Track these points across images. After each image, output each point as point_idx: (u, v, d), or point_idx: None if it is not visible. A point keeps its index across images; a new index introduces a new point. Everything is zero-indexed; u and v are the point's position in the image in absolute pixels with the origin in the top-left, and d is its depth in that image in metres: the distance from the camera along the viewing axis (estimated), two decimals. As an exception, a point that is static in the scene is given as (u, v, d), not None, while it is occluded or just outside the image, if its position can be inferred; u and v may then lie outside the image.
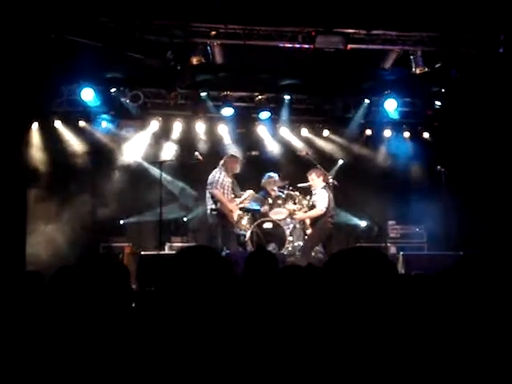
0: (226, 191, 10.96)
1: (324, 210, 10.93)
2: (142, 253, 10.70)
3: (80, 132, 12.84)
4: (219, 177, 10.91)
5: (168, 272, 2.51)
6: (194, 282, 2.43)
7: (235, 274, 2.69)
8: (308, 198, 11.97)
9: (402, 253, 11.18)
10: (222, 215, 10.84)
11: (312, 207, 11.41)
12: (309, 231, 11.51)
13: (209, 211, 10.98)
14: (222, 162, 11.19)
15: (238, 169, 11.26)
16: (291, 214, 11.63)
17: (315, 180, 11.20)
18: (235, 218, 11.17)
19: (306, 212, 11.62)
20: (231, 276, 2.55)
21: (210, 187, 10.91)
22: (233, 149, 13.16)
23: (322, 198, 10.99)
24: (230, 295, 2.48)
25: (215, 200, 10.83)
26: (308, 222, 11.64)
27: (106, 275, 2.97)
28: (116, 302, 2.91)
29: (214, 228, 11.01)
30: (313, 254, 11.53)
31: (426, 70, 10.89)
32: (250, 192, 11.54)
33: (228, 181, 11.03)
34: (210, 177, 11.02)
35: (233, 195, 11.29)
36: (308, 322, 2.69)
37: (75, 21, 9.63)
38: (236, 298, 2.57)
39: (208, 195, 10.99)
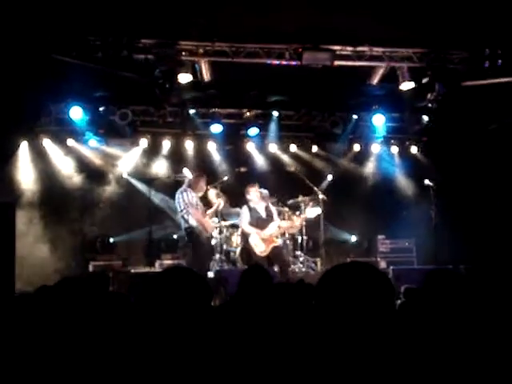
0: (196, 207, 10.89)
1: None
2: (133, 271, 10.68)
3: (69, 150, 12.83)
4: (189, 197, 10.87)
5: (146, 293, 2.52)
6: (169, 304, 2.43)
7: (219, 294, 2.71)
8: (297, 213, 12.02)
9: (391, 267, 11.22)
10: (197, 232, 10.80)
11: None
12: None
13: (184, 231, 10.97)
14: (187, 181, 11.21)
15: (203, 188, 11.25)
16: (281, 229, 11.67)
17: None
18: (210, 231, 11.17)
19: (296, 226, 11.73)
20: (208, 299, 2.55)
21: (184, 211, 10.81)
22: (222, 165, 13.21)
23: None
24: (207, 318, 2.48)
25: (188, 219, 10.77)
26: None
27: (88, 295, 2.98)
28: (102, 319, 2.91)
29: (194, 246, 10.95)
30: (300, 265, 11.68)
31: (413, 85, 10.96)
32: (219, 200, 11.47)
33: (196, 196, 10.98)
34: (177, 196, 10.98)
35: (203, 209, 11.17)
36: (303, 338, 2.71)
37: (63, 40, 9.64)
38: (218, 318, 2.58)
39: (179, 215, 10.97)
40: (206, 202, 11.43)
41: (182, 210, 10.78)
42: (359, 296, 2.25)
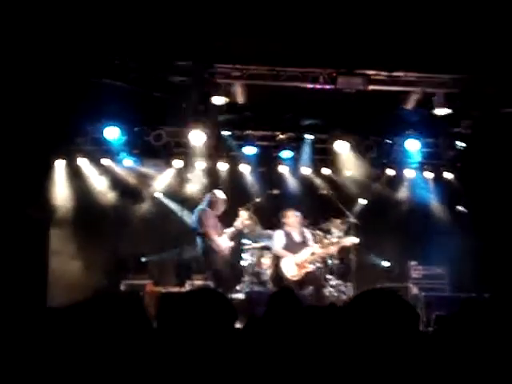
0: (216, 227, 10.95)
1: None
2: (163, 291, 10.71)
3: (103, 170, 12.97)
4: (207, 216, 10.93)
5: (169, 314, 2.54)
6: (192, 325, 2.45)
7: (248, 315, 2.71)
8: (329, 237, 11.97)
9: (423, 294, 11.10)
10: (212, 252, 10.81)
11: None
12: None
13: (200, 251, 11.01)
14: (206, 200, 11.26)
15: (222, 209, 11.27)
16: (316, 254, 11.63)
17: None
18: (225, 251, 11.06)
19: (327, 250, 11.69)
20: (232, 320, 2.56)
21: (199, 228, 10.90)
22: (254, 187, 13.23)
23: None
24: (230, 340, 2.49)
25: (203, 238, 10.82)
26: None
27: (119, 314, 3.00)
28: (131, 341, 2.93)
29: (212, 266, 10.96)
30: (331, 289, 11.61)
31: (448, 111, 10.90)
32: (241, 223, 11.44)
33: (213, 215, 11.04)
34: (195, 216, 11.07)
35: (220, 229, 11.17)
36: (327, 363, 2.69)
37: (101, 62, 9.82)
38: (242, 340, 2.59)
39: (197, 234, 10.99)
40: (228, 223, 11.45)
41: (198, 229, 10.84)
42: (383, 323, 2.25)
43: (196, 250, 11.61)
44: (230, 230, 11.24)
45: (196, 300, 2.57)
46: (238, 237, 11.70)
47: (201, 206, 11.11)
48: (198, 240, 10.93)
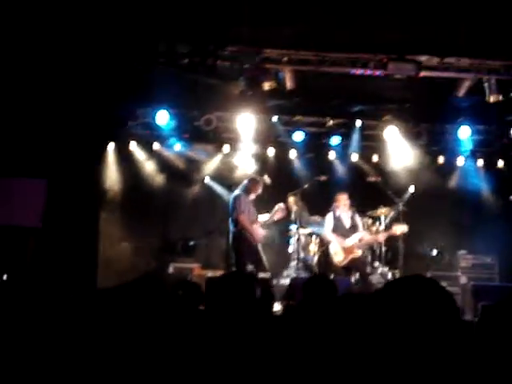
0: (248, 213, 10.81)
1: None
2: (209, 275, 10.80)
3: (154, 154, 13.13)
4: (240, 199, 10.80)
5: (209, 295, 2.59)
6: (228, 308, 2.49)
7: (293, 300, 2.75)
8: (377, 223, 11.92)
9: (471, 283, 10.98)
10: (243, 238, 10.69)
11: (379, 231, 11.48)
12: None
13: (231, 234, 10.88)
14: (243, 184, 11.16)
15: (259, 191, 11.13)
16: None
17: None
18: (258, 239, 10.90)
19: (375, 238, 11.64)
20: (268, 307, 2.59)
21: (232, 210, 10.81)
22: (302, 173, 13.21)
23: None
24: (266, 327, 2.52)
25: (236, 223, 10.72)
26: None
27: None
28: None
29: (235, 249, 10.86)
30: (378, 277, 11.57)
31: (501, 98, 10.70)
32: (279, 206, 11.31)
33: (249, 201, 10.95)
34: (232, 199, 10.99)
35: (255, 216, 11.07)
36: (359, 351, 2.70)
37: (152, 47, 9.92)
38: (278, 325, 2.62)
39: (230, 219, 10.88)
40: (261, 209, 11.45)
41: (232, 214, 10.80)
42: (419, 312, 2.24)
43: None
44: (263, 219, 11.19)
45: (231, 284, 2.61)
46: (275, 225, 11.69)
47: (236, 192, 11.06)
48: (231, 226, 10.86)
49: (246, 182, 11.23)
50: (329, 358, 2.73)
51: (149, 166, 13.11)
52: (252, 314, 2.49)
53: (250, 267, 10.94)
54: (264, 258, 10.97)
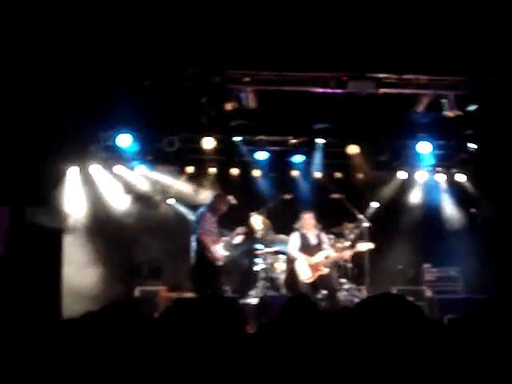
0: (210, 232, 10.65)
1: None
2: (176, 297, 10.73)
3: (117, 177, 13.05)
4: (204, 218, 10.67)
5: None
6: (201, 332, 2.48)
7: (261, 320, 2.75)
8: (342, 240, 11.99)
9: (437, 296, 11.09)
10: (204, 258, 10.52)
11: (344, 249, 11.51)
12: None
13: (193, 253, 10.67)
14: (209, 201, 11.07)
15: (224, 209, 11.00)
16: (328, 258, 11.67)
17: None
18: (219, 259, 10.73)
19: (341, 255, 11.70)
20: (241, 327, 2.59)
21: (195, 228, 10.69)
22: (266, 192, 13.26)
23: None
24: (239, 345, 2.52)
25: (198, 242, 10.55)
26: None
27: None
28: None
29: (200, 271, 10.67)
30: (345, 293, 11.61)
31: (459, 113, 10.90)
32: (240, 229, 11.28)
33: (214, 221, 10.79)
34: (196, 217, 10.87)
35: (218, 235, 10.94)
36: (335, 365, 2.72)
37: (113, 69, 9.89)
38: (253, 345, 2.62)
39: (193, 238, 10.71)
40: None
41: (195, 232, 10.65)
42: (391, 328, 2.27)
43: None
44: (226, 239, 11.07)
45: (204, 306, 2.61)
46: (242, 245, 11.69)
47: (201, 209, 10.97)
48: (194, 244, 10.70)
49: (211, 198, 11.17)
50: (308, 375, 2.74)
51: (112, 189, 13.02)
52: (226, 334, 2.49)
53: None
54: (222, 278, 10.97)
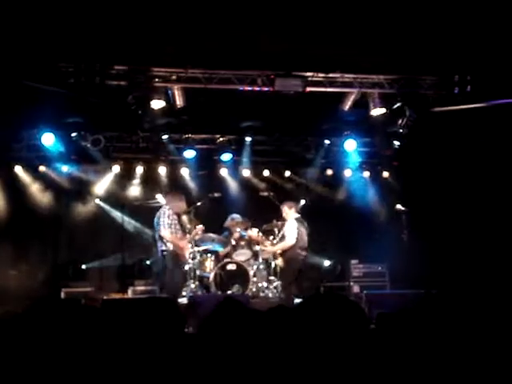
0: (174, 230, 10.64)
1: (293, 241, 10.90)
2: (105, 298, 10.54)
3: (41, 176, 12.75)
4: (164, 215, 10.60)
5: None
6: (142, 331, 2.44)
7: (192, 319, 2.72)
8: (271, 238, 12.02)
9: (364, 292, 11.25)
10: (173, 255, 10.52)
11: (282, 240, 11.50)
12: (279, 263, 11.49)
13: (160, 253, 10.61)
14: (164, 201, 11.02)
15: (181, 206, 11.02)
16: (262, 246, 11.71)
17: (287, 212, 11.21)
18: (187, 255, 10.88)
19: (269, 252, 11.74)
20: (181, 326, 2.57)
21: (157, 228, 10.61)
22: (195, 191, 13.20)
23: (290, 231, 10.97)
24: (179, 347, 2.49)
25: (164, 241, 10.53)
26: (279, 255, 11.68)
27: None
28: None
29: (169, 270, 10.62)
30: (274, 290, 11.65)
31: (384, 111, 11.09)
32: (199, 227, 11.39)
33: (174, 218, 10.75)
34: (156, 218, 10.77)
35: (181, 232, 10.99)
36: (277, 363, 2.71)
37: (35, 66, 9.62)
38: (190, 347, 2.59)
39: (157, 237, 10.67)
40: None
41: (158, 231, 10.59)
42: (333, 326, 2.28)
43: (138, 256, 11.51)
44: (190, 237, 11.14)
45: (145, 307, 2.56)
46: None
47: (162, 209, 10.85)
48: (158, 243, 10.62)
49: (166, 198, 11.12)
50: (250, 373, 2.72)
51: (36, 190, 12.71)
52: (166, 335, 2.45)
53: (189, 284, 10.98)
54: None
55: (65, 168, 12.77)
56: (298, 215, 11.19)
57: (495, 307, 3.53)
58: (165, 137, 12.60)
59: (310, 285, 12.47)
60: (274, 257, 11.99)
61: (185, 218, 11.52)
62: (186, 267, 11.36)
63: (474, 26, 8.83)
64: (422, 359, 2.82)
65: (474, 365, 2.67)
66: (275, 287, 11.84)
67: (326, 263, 13.65)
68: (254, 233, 11.74)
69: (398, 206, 11.30)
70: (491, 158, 11.80)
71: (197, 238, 11.42)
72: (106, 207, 13.12)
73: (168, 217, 10.64)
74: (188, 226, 11.50)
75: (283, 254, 11.38)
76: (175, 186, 13.19)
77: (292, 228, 10.98)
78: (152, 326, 2.45)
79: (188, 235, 11.15)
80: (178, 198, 11.05)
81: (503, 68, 9.89)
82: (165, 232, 10.48)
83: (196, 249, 11.53)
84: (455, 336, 3.05)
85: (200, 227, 11.34)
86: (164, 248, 10.51)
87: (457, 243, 12.25)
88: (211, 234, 11.88)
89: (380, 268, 13.02)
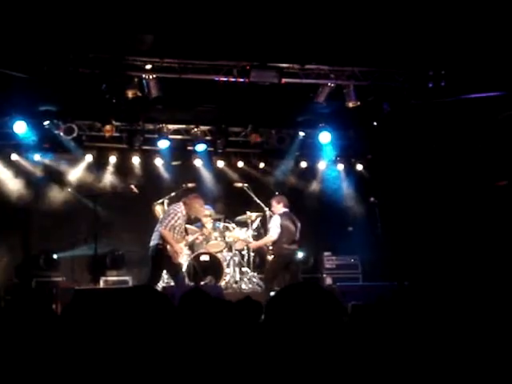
0: (176, 231, 10.14)
1: (274, 236, 10.81)
2: (77, 287, 10.45)
3: (12, 165, 12.60)
4: (176, 215, 10.13)
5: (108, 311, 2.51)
6: (133, 323, 2.43)
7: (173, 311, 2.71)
8: (245, 229, 12.03)
9: (337, 284, 11.32)
10: (166, 254, 10.10)
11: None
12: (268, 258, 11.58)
13: (153, 244, 10.15)
14: (183, 199, 10.48)
15: (200, 212, 10.64)
16: (245, 242, 11.74)
17: (275, 206, 11.17)
18: (179, 259, 10.52)
19: (242, 243, 11.78)
20: (169, 316, 2.56)
21: (161, 224, 10.17)
22: (169, 181, 13.15)
23: (272, 225, 10.90)
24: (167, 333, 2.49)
25: (161, 236, 10.08)
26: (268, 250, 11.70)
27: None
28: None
29: (155, 261, 10.23)
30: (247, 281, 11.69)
31: (359, 103, 11.11)
32: (204, 231, 11.59)
33: (182, 221, 10.28)
34: (165, 214, 10.40)
35: (183, 234, 10.61)
36: (249, 356, 2.71)
37: (8, 53, 9.49)
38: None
39: (157, 230, 10.25)
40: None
41: (161, 227, 10.14)
42: (308, 316, 2.28)
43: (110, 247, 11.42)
44: (191, 239, 11.26)
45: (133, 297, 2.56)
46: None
47: (176, 206, 10.36)
48: (157, 236, 10.17)
49: (187, 198, 10.49)
50: (219, 364, 2.72)
51: (7, 178, 12.55)
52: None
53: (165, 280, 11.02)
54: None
55: (37, 156, 12.64)
56: (287, 209, 11.08)
57: (468, 297, 3.56)
58: (138, 126, 12.53)
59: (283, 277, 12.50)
60: (248, 248, 12.04)
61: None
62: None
63: (449, 21, 8.89)
64: (397, 350, 2.84)
65: (450, 355, 2.69)
66: (248, 278, 11.88)
67: (299, 255, 13.67)
68: (240, 234, 11.81)
69: (372, 199, 11.35)
70: (463, 150, 11.92)
71: (197, 242, 11.48)
72: (79, 196, 12.99)
73: (176, 219, 10.13)
74: (160, 216, 11.45)
75: (270, 249, 11.39)
76: (148, 176, 13.14)
77: (275, 223, 10.87)
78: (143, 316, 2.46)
79: (189, 236, 11.13)
80: (197, 200, 10.49)
81: (477, 63, 9.97)
82: (165, 232, 10.00)
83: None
84: (430, 327, 3.07)
85: (204, 232, 11.57)
86: (159, 242, 10.23)
87: (429, 235, 12.34)
88: (187, 226, 11.87)
89: (353, 260, 13.12)
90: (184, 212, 10.22)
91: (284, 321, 2.30)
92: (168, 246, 10.03)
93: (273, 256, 11.07)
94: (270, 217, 11.51)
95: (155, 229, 10.27)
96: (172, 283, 10.83)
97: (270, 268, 11.15)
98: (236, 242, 11.96)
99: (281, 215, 10.93)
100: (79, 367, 2.51)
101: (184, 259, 11.36)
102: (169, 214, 10.18)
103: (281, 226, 10.76)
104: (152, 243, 10.17)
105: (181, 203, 10.34)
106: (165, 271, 10.72)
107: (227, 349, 3.05)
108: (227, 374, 2.65)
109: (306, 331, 2.28)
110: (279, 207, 11.06)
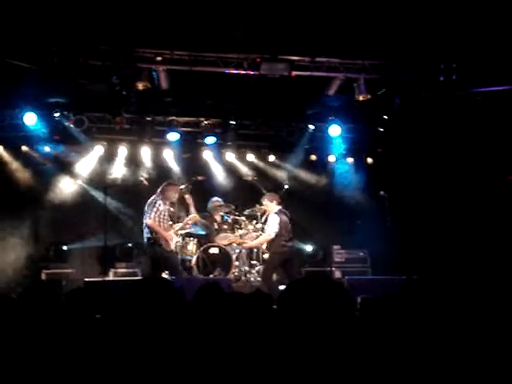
0: (161, 220, 10.48)
1: (272, 235, 10.79)
2: (86, 279, 10.47)
3: (23, 156, 12.63)
4: (155, 205, 10.43)
5: (118, 303, 2.51)
6: (145, 314, 2.43)
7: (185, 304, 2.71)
8: (254, 222, 12.03)
9: (346, 277, 11.29)
10: (158, 244, 10.40)
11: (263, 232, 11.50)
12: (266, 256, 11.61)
13: (145, 240, 10.51)
14: (159, 189, 10.75)
15: (175, 197, 10.89)
16: (238, 243, 11.73)
17: (268, 205, 11.13)
18: (172, 246, 10.68)
19: (252, 237, 11.75)
20: (182, 308, 2.57)
21: (145, 216, 10.48)
22: (178, 174, 13.14)
23: (271, 224, 10.88)
24: (180, 325, 2.49)
25: (150, 230, 10.40)
26: (264, 246, 11.70)
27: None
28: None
29: (153, 257, 10.61)
30: (256, 274, 11.68)
31: (369, 97, 11.06)
32: (192, 216, 11.38)
33: (165, 209, 10.61)
34: (147, 205, 10.60)
35: (170, 222, 10.94)
36: (260, 349, 2.70)
37: (18, 45, 9.50)
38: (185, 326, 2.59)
39: (144, 224, 10.55)
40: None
41: (145, 219, 10.45)
42: (320, 309, 2.27)
43: (120, 238, 11.44)
44: (179, 226, 11.13)
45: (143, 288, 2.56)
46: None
47: (152, 197, 10.67)
48: (146, 230, 10.51)
49: (162, 186, 10.79)
50: (233, 358, 2.72)
51: (18, 170, 12.59)
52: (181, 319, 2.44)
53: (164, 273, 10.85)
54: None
55: (47, 148, 12.66)
56: (280, 207, 11.06)
57: (478, 291, 3.54)
58: (148, 118, 12.52)
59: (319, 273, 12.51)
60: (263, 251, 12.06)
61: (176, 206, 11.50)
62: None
63: (460, 13, 8.83)
64: (406, 344, 2.82)
65: (458, 350, 2.68)
66: (257, 271, 11.88)
67: (309, 248, 13.67)
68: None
69: (381, 192, 11.30)
70: (474, 144, 11.85)
71: (187, 227, 11.42)
72: (89, 188, 13.02)
73: (157, 208, 10.43)
74: (181, 214, 11.50)
75: (267, 247, 11.40)
76: (158, 169, 13.14)
77: (273, 222, 10.86)
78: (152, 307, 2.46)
79: (178, 224, 11.10)
80: (174, 190, 10.83)
81: (488, 56, 9.91)
82: (149, 221, 10.32)
83: (179, 232, 11.48)
84: (439, 322, 3.06)
85: (192, 216, 11.36)
86: (150, 236, 10.37)
87: (439, 229, 12.30)
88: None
89: (362, 254, 13.09)
90: (162, 201, 10.51)
91: (296, 313, 2.30)
92: (157, 236, 10.28)
93: (272, 253, 11.04)
94: (262, 215, 11.60)
95: (143, 224, 10.54)
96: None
97: (269, 265, 11.14)
98: (231, 243, 11.93)
99: (277, 213, 10.91)
100: (90, 359, 2.52)
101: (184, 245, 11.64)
102: (150, 206, 10.46)
103: (279, 224, 10.76)
104: (145, 240, 10.50)
105: (159, 192, 10.62)
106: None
107: (241, 342, 3.06)
108: (239, 369, 2.65)
109: (317, 324, 2.27)
110: (273, 205, 11.04)
